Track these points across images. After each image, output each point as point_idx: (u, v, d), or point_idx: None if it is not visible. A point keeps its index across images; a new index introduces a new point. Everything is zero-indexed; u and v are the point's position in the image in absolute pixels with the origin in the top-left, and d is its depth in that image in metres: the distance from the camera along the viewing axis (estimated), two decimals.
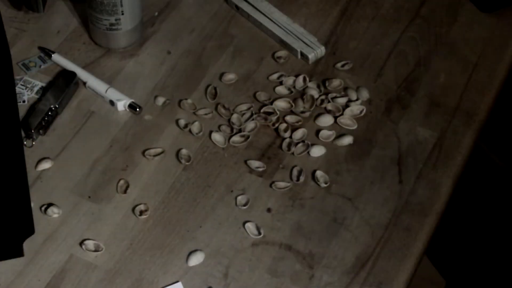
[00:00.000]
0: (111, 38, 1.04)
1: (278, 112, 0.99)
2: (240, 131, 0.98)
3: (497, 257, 1.17)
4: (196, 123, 0.98)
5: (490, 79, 1.03)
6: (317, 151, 0.96)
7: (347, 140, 0.97)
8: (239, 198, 0.92)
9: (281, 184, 0.93)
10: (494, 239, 1.17)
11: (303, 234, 0.89)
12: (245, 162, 0.95)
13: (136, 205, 0.91)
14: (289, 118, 0.99)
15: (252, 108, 1.00)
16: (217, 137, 0.97)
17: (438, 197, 0.93)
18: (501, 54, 1.06)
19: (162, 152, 0.96)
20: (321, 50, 1.05)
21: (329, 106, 1.00)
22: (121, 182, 0.93)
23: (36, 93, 1.01)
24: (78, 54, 1.05)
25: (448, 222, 1.14)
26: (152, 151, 0.96)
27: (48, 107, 0.97)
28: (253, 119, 0.99)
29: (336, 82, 1.02)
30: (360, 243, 0.89)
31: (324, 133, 0.98)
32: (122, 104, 0.99)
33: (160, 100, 1.00)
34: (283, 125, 0.98)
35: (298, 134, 0.97)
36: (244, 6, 1.09)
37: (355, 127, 0.98)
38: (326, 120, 0.99)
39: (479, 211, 1.19)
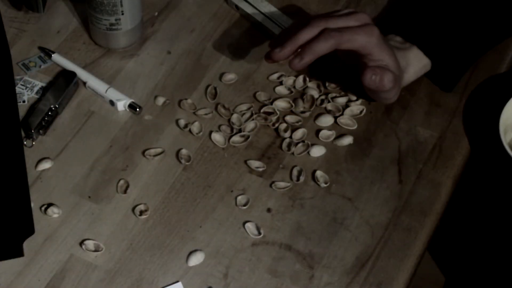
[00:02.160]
0: (111, 38, 1.04)
1: (278, 112, 0.99)
2: (240, 131, 0.98)
3: (497, 256, 1.18)
4: (196, 123, 0.98)
5: (490, 79, 1.03)
6: (317, 151, 0.96)
7: (347, 140, 0.97)
8: (239, 198, 0.92)
9: (281, 184, 0.93)
10: (494, 239, 1.18)
11: (303, 234, 0.89)
12: (245, 162, 0.95)
13: (136, 205, 0.91)
14: (289, 118, 0.99)
15: (252, 108, 1.00)
16: (217, 137, 0.97)
17: (438, 197, 0.93)
18: (501, 54, 1.06)
19: (162, 152, 0.96)
20: None
21: (329, 106, 1.00)
22: (121, 182, 0.93)
23: (36, 93, 1.01)
24: (78, 54, 1.05)
25: (448, 221, 1.14)
26: (152, 151, 0.96)
27: (48, 107, 0.97)
28: (253, 119, 0.99)
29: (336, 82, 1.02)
30: (360, 243, 0.89)
31: (324, 133, 0.98)
32: (122, 104, 0.99)
33: (160, 100, 1.00)
34: (283, 125, 0.98)
35: (298, 134, 0.97)
36: (244, 6, 1.09)
37: (355, 127, 0.98)
38: (326, 120, 0.99)
39: (479, 211, 1.19)
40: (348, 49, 0.90)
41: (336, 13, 0.93)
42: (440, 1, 1.00)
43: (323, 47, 0.88)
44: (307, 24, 0.90)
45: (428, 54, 0.97)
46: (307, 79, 1.02)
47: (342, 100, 1.00)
